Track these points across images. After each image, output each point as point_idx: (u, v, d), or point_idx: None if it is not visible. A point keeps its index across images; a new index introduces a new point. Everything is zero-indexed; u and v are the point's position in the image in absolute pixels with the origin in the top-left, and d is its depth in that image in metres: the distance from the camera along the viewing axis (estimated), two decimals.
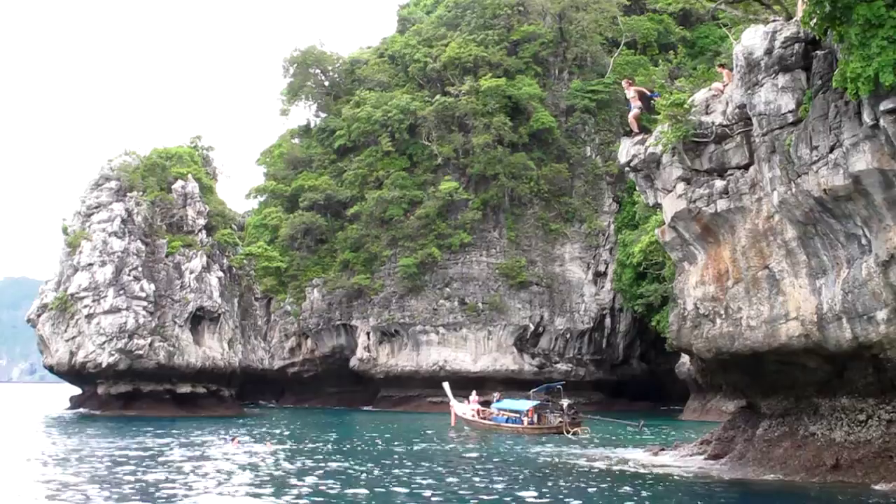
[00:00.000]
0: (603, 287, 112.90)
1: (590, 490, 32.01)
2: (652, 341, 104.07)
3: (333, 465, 40.29)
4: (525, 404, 70.09)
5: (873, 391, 33.79)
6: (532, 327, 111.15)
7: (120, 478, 34.33)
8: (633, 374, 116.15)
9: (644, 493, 31.58)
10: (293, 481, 33.79)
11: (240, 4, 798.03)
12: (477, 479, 35.44)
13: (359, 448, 50.56)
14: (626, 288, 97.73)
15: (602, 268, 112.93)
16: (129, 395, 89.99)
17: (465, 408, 73.77)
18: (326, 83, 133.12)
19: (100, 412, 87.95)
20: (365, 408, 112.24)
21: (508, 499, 29.52)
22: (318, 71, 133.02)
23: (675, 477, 36.95)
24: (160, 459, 41.68)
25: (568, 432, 63.60)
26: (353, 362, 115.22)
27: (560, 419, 66.11)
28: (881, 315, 30.35)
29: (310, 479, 34.13)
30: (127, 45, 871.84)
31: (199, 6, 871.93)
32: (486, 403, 75.95)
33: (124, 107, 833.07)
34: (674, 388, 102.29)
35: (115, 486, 31.99)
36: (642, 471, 38.23)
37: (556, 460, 43.40)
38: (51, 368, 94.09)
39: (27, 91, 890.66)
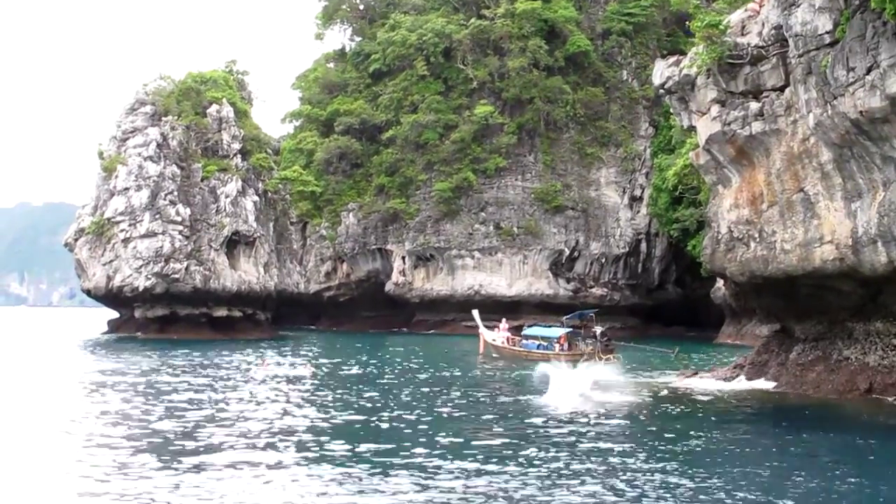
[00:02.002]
0: (639, 212, 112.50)
1: (621, 414, 32.00)
2: (687, 266, 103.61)
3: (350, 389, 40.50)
4: (557, 331, 69.64)
5: None
6: (567, 252, 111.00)
7: (151, 404, 34.60)
8: (668, 298, 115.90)
9: (678, 411, 31.66)
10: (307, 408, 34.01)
11: None
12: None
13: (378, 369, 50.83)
14: (662, 212, 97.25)
15: (638, 192, 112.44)
16: (165, 318, 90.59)
17: (495, 335, 73.50)
18: (361, 6, 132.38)
19: (137, 335, 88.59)
20: (402, 329, 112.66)
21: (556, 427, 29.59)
22: None
23: (711, 396, 37.02)
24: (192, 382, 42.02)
25: (600, 359, 63.35)
26: (389, 286, 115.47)
27: (592, 346, 65.79)
28: None
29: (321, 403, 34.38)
30: None
31: None
32: (518, 330, 75.58)
33: (160, 31, 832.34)
34: (709, 312, 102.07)
35: (145, 413, 32.26)
36: (676, 393, 38.17)
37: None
38: (88, 292, 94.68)
39: (65, 16, 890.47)
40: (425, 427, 28.24)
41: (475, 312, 78.84)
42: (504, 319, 78.33)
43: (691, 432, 27.45)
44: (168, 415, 30.23)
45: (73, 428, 27.43)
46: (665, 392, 39.10)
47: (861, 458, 24.36)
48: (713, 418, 31.26)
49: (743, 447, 25.75)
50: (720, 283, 78.33)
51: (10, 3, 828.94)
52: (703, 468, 21.84)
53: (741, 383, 41.98)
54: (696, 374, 48.16)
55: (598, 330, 67.12)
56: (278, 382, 42.51)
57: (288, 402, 34.59)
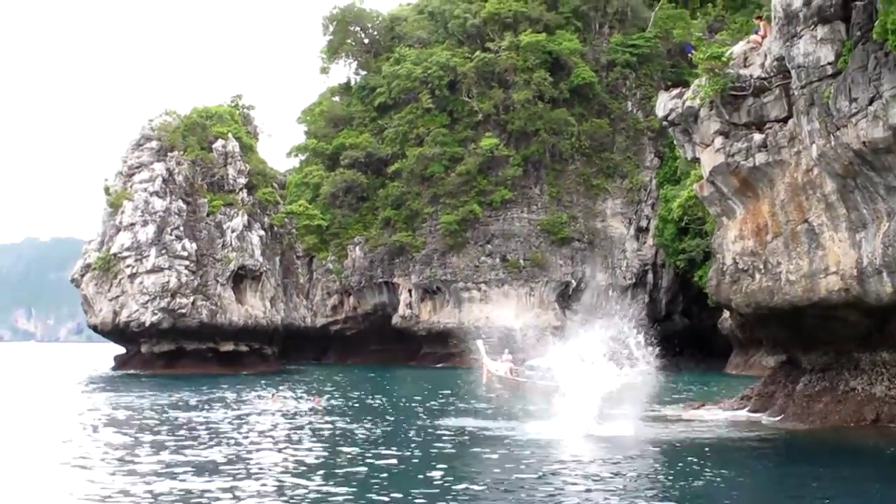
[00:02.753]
0: (645, 242, 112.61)
1: (626, 446, 31.87)
2: (694, 296, 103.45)
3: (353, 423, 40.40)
4: None
5: None
6: (574, 283, 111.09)
7: (161, 440, 34.52)
8: (675, 329, 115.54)
9: (685, 444, 31.54)
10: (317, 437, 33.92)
11: None
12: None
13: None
14: (668, 243, 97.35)
15: (644, 223, 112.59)
16: (172, 353, 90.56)
17: (498, 365, 73.31)
18: (366, 41, 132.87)
19: (143, 371, 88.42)
20: (409, 363, 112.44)
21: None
22: (357, 28, 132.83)
23: (718, 428, 36.89)
24: (202, 417, 41.92)
25: None
26: (396, 319, 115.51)
27: None
28: None
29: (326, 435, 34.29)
30: (171, 4, 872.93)
31: None
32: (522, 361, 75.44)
33: (166, 67, 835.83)
34: (717, 343, 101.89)
35: (157, 447, 32.17)
36: (681, 426, 37.99)
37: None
38: (95, 328, 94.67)
39: (71, 52, 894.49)
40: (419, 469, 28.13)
41: (479, 342, 78.59)
42: (507, 350, 78.15)
43: (696, 467, 27.29)
44: (176, 449, 30.14)
45: (75, 466, 27.32)
46: (671, 424, 38.93)
47: (865, 488, 24.23)
48: (720, 452, 31.08)
49: (748, 481, 25.62)
50: (727, 313, 78.28)
51: (16, 36, 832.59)
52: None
53: (748, 415, 41.89)
54: (703, 405, 48.03)
55: None
56: (288, 416, 42.42)
57: (294, 435, 34.50)
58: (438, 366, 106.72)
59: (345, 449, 30.73)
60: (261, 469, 26.43)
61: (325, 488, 23.58)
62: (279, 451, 30.34)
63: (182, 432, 35.68)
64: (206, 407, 47.76)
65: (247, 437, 34.06)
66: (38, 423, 41.42)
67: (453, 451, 30.62)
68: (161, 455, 28.99)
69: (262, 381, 71.17)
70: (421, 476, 25.17)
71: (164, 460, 27.87)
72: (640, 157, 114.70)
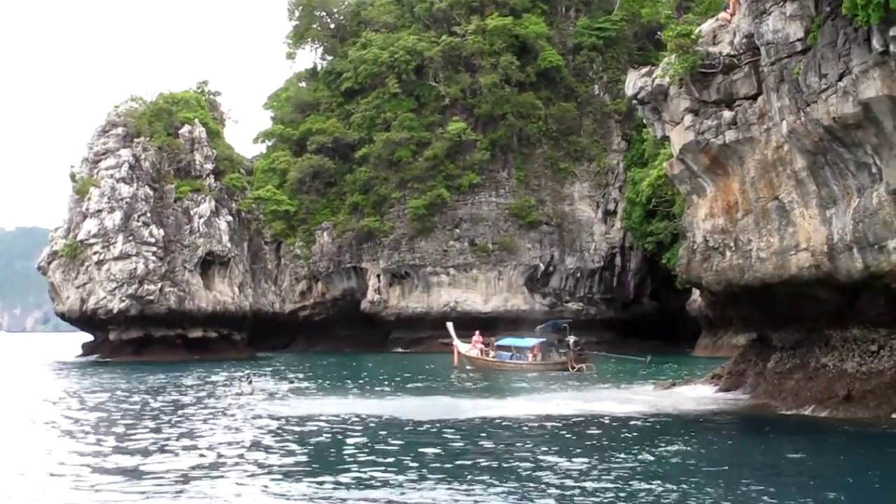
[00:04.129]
0: (613, 226, 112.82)
1: (592, 432, 31.87)
2: (663, 279, 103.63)
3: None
4: (530, 342, 70.18)
5: (885, 321, 33.63)
6: (542, 267, 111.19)
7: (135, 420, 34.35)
8: (644, 312, 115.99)
9: (653, 422, 31.56)
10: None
11: None
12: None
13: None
14: (636, 226, 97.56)
15: (612, 206, 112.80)
16: (140, 340, 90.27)
17: (469, 346, 73.79)
18: (332, 25, 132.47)
19: (111, 358, 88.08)
20: (379, 349, 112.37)
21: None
22: (323, 13, 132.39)
23: (688, 407, 36.95)
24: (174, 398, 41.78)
25: (573, 369, 63.72)
26: (364, 305, 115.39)
27: (565, 356, 66.29)
28: (892, 244, 30.08)
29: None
30: None
31: None
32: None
33: (131, 52, 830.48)
34: (685, 326, 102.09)
35: (130, 430, 32.02)
36: (650, 408, 38.02)
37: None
38: (62, 315, 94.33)
39: (34, 38, 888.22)
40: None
41: (450, 325, 78.97)
42: (477, 332, 78.47)
43: (666, 445, 27.26)
44: (143, 434, 29.99)
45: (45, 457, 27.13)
46: (640, 404, 38.96)
47: (834, 467, 24.28)
48: (690, 430, 31.11)
49: (719, 458, 25.62)
50: (696, 295, 78.52)
51: None
52: (677, 482, 21.61)
53: (718, 393, 41.97)
54: (674, 384, 48.13)
55: (572, 339, 67.60)
56: (262, 399, 42.38)
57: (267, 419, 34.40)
58: (406, 350, 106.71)
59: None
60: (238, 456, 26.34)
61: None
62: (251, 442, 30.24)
63: (145, 416, 35.53)
64: (177, 391, 47.61)
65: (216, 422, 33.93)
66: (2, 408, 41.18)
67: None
68: (131, 439, 28.87)
69: (231, 368, 71.00)
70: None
71: (133, 444, 27.76)
72: (607, 140, 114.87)
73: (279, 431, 30.44)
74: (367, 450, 26.17)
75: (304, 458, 25.19)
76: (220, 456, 25.33)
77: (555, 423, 31.97)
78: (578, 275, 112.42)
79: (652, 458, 24.59)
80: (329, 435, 29.48)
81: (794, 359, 38.41)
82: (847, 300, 34.15)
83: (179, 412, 36.81)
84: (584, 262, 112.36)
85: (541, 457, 24.68)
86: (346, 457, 25.19)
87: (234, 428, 31.32)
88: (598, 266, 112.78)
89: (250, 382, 51.49)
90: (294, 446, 27.33)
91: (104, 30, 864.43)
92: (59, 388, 52.11)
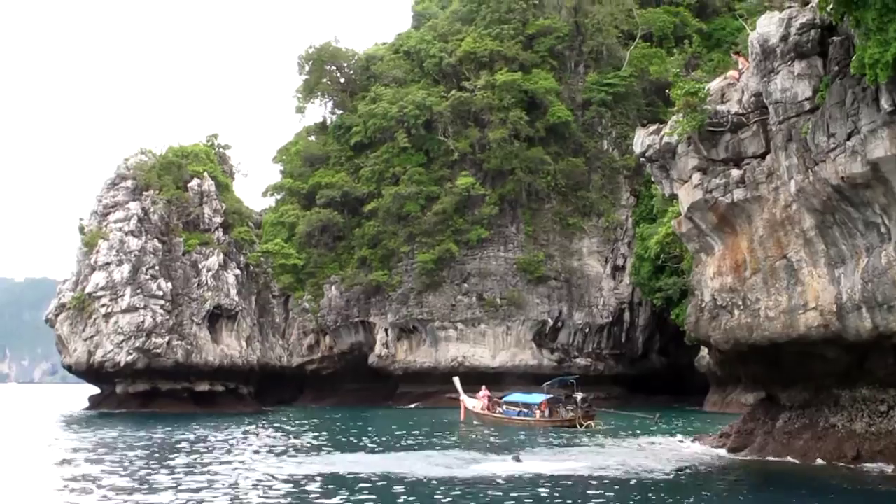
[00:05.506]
0: (621, 281, 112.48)
1: (606, 482, 31.63)
2: (671, 335, 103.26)
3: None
4: (537, 397, 69.93)
5: (894, 381, 33.48)
6: (551, 322, 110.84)
7: (138, 475, 34.15)
8: (652, 368, 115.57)
9: (663, 480, 31.31)
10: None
11: (255, 3, 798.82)
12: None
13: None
14: (645, 282, 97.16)
15: (620, 262, 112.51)
16: (147, 393, 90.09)
17: (476, 402, 73.55)
18: (342, 80, 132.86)
19: (118, 411, 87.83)
20: (387, 403, 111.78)
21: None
22: (333, 68, 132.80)
23: (698, 465, 36.67)
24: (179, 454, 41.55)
25: (581, 425, 63.41)
26: (372, 359, 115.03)
27: (573, 412, 65.98)
28: None
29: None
30: (143, 43, 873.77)
31: (215, 4, 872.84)
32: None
33: (141, 106, 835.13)
34: (693, 381, 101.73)
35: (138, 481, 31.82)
36: (660, 464, 37.74)
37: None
38: (69, 368, 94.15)
39: (45, 91, 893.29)
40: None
41: (456, 380, 78.71)
42: (484, 387, 78.19)
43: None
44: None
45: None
46: (649, 459, 38.69)
47: None
48: (700, 489, 30.85)
49: None
50: (704, 351, 78.21)
51: None
52: None
53: (727, 452, 41.73)
54: (681, 442, 47.89)
55: (580, 396, 67.35)
56: (269, 456, 42.15)
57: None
58: (413, 406, 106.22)
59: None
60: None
61: None
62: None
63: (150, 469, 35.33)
64: (179, 446, 47.38)
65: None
66: (5, 461, 40.99)
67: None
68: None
69: (238, 423, 70.71)
70: None
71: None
72: (615, 195, 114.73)
73: (282, 490, 30.20)
74: None
75: None
76: None
77: (561, 482, 31.72)
78: (587, 330, 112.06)
79: None
80: (332, 495, 29.23)
81: (802, 418, 38.21)
82: (856, 360, 34.03)
83: (184, 468, 36.55)
84: (593, 317, 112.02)
85: None
86: None
87: (240, 488, 31.06)
88: (607, 321, 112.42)
89: (257, 435, 51.49)
90: None
91: (116, 83, 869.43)
92: (65, 442, 51.86)
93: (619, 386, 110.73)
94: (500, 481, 31.79)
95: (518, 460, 36.12)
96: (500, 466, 36.12)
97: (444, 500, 27.66)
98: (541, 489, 29.65)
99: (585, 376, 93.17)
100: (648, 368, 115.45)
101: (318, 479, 32.72)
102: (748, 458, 39.42)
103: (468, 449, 45.71)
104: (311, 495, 28.76)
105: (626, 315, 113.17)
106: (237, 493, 29.20)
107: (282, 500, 27.99)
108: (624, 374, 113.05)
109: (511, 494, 28.62)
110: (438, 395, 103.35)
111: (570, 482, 31.63)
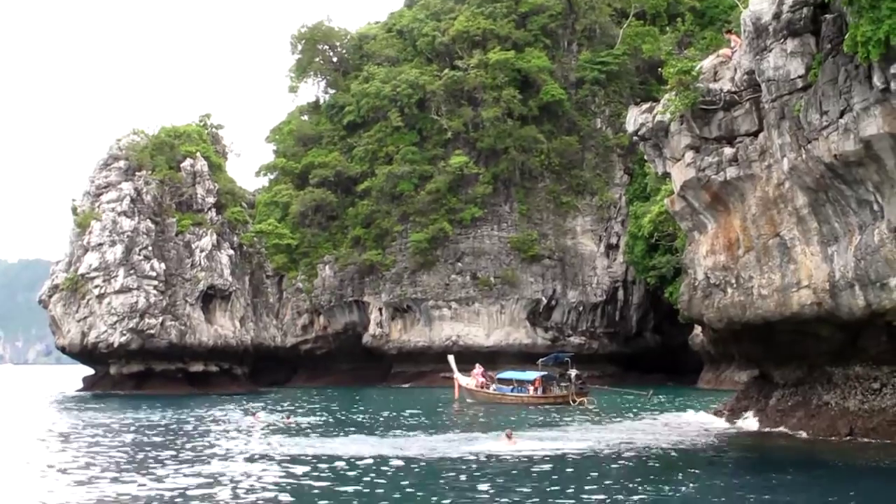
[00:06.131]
0: (615, 260, 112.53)
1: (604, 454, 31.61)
2: (665, 313, 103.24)
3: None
4: (531, 375, 69.95)
5: (887, 359, 33.51)
6: (545, 301, 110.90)
7: (136, 453, 34.10)
8: (646, 346, 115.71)
9: (658, 456, 31.33)
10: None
11: None
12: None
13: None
14: (639, 260, 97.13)
15: (614, 240, 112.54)
16: (141, 374, 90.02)
17: (469, 379, 73.59)
18: (335, 59, 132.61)
19: (111, 392, 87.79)
20: (383, 384, 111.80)
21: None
22: (326, 47, 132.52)
23: (694, 438, 36.66)
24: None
25: (574, 402, 63.53)
26: (366, 339, 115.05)
27: (566, 390, 66.09)
28: (894, 282, 30.00)
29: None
30: (136, 23, 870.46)
31: None
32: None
33: (133, 86, 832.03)
34: (687, 360, 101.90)
35: (131, 461, 31.78)
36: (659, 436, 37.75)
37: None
38: (63, 349, 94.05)
39: (37, 72, 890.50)
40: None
41: (451, 358, 78.73)
42: (478, 364, 78.22)
43: (669, 474, 27.05)
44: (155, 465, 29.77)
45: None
46: (642, 433, 38.71)
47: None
48: (696, 463, 30.85)
49: (727, 488, 25.41)
50: (698, 329, 78.28)
51: None
52: None
53: (724, 424, 41.86)
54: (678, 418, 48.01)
55: (573, 373, 67.44)
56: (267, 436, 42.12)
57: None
58: (407, 385, 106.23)
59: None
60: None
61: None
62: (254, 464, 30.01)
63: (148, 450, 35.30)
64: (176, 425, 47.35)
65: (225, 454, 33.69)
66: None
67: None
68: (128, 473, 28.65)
69: (233, 402, 70.72)
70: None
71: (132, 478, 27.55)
72: (609, 174, 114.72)
73: (280, 472, 30.17)
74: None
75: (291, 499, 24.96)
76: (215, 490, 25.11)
77: (569, 459, 31.71)
78: (581, 309, 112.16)
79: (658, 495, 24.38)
80: (324, 478, 29.22)
81: (796, 396, 38.30)
82: (849, 338, 34.05)
83: (180, 449, 36.53)
84: (587, 296, 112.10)
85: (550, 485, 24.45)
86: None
87: (235, 470, 31.00)
88: (601, 300, 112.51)
89: (254, 415, 51.50)
90: (289, 488, 27.10)
91: (108, 63, 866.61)
92: (61, 422, 51.85)
93: (613, 364, 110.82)
94: (489, 460, 31.73)
95: (509, 437, 36.02)
96: (488, 446, 36.06)
97: (426, 481, 27.65)
98: (532, 468, 29.61)
99: (579, 355, 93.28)
100: (642, 347, 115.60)
101: (313, 460, 32.66)
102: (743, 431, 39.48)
103: (458, 429, 45.63)
104: (305, 478, 28.70)
105: (620, 293, 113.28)
106: (232, 474, 29.14)
107: (276, 482, 27.97)
108: (618, 352, 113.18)
109: (495, 475, 28.61)
110: (433, 374, 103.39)
111: (553, 463, 31.57)
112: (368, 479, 27.96)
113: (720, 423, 43.16)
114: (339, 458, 32.63)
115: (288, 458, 33.35)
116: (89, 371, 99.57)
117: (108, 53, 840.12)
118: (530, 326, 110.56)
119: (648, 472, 29.18)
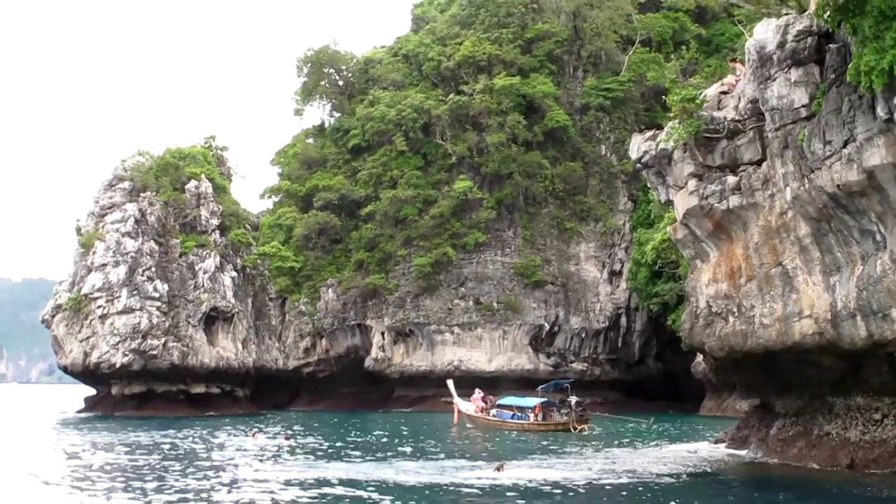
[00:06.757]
0: (618, 286, 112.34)
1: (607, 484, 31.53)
2: (668, 340, 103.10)
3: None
4: (531, 401, 69.77)
5: (889, 389, 33.43)
6: (547, 327, 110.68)
7: (139, 476, 34.07)
8: (648, 373, 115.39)
9: (658, 482, 31.25)
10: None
11: (254, 4, 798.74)
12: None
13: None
14: (642, 287, 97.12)
15: (617, 267, 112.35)
16: (142, 395, 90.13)
17: (469, 405, 73.46)
18: (340, 83, 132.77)
19: (113, 413, 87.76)
20: (385, 408, 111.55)
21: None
22: (332, 70, 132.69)
23: (694, 467, 36.56)
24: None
25: (574, 429, 63.36)
26: (368, 362, 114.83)
27: (567, 416, 65.91)
28: None
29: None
30: (141, 45, 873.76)
31: (214, 6, 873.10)
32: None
33: (138, 107, 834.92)
34: (690, 387, 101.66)
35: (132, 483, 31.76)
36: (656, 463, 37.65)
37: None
38: (65, 369, 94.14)
39: (43, 92, 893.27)
40: None
41: (450, 383, 78.73)
42: (477, 389, 78.09)
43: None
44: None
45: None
46: (642, 463, 38.60)
47: None
48: (696, 492, 30.78)
49: None
50: (700, 357, 78.14)
51: None
52: None
53: (725, 453, 41.71)
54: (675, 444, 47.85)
55: (573, 400, 67.31)
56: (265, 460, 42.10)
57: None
58: (408, 409, 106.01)
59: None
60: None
61: None
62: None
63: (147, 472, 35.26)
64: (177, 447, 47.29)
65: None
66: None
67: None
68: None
69: (234, 425, 70.63)
70: None
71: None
72: (613, 200, 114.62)
73: (276, 495, 30.16)
74: None
75: None
76: None
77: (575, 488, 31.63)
78: (583, 335, 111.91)
79: None
80: (316, 499, 29.19)
81: (797, 426, 38.17)
82: (850, 368, 33.97)
83: (178, 471, 36.48)
84: (590, 322, 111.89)
85: None
86: None
87: (234, 494, 30.99)
88: (604, 326, 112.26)
89: (254, 436, 51.56)
90: None
91: (114, 84, 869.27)
92: (60, 443, 51.88)
93: (615, 391, 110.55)
94: (478, 491, 31.62)
95: (499, 470, 35.89)
96: (480, 474, 35.94)
97: None
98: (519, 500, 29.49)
99: (581, 381, 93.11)
100: (645, 374, 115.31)
101: (307, 484, 32.67)
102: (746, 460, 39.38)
103: (454, 456, 45.47)
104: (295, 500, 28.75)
105: (623, 320, 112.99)
106: (231, 498, 29.13)
107: None
108: (620, 379, 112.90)
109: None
110: (434, 398, 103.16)
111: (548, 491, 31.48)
112: None
113: (720, 452, 43.08)
114: (330, 483, 32.65)
115: (282, 481, 33.36)
116: (91, 391, 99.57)
117: (114, 74, 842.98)
118: (532, 352, 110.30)
119: (649, 500, 29.09)
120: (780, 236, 34.41)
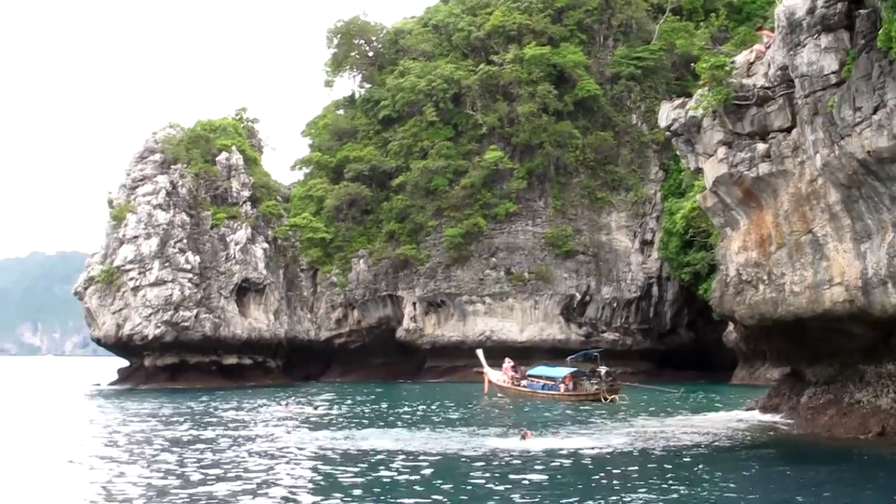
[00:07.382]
0: (650, 256, 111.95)
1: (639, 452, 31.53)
2: (699, 310, 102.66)
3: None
4: (561, 371, 69.39)
5: None
6: (579, 297, 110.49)
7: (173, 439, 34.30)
8: (680, 343, 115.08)
9: (688, 451, 31.25)
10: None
11: None
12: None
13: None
14: (673, 256, 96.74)
15: (649, 236, 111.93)
16: (175, 366, 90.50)
17: (499, 374, 73.25)
18: (370, 53, 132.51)
19: (146, 385, 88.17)
20: (415, 379, 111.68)
21: None
22: (361, 41, 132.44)
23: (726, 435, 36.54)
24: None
25: (605, 399, 63.18)
26: (400, 333, 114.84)
27: (597, 386, 65.67)
28: None
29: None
30: (174, 18, 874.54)
31: None
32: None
33: (170, 80, 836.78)
34: (721, 356, 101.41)
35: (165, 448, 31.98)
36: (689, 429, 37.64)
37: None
38: (98, 341, 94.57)
39: (76, 66, 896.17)
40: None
41: (480, 352, 78.56)
42: (507, 359, 77.92)
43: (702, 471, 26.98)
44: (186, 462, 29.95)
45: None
46: (672, 431, 38.58)
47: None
48: (727, 460, 30.74)
49: (758, 486, 25.34)
50: (732, 326, 77.97)
51: (19, 49, 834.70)
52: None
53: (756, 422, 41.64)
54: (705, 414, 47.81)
55: (604, 370, 67.08)
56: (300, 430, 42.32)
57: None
58: (441, 380, 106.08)
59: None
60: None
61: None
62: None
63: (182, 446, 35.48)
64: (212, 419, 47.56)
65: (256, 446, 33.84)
66: (31, 435, 41.29)
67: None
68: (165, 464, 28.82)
69: (269, 394, 70.91)
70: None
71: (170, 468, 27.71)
72: (644, 169, 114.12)
73: (307, 464, 30.30)
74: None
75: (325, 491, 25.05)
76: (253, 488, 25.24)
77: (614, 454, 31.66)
78: (615, 305, 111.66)
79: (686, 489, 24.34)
80: (360, 468, 29.32)
81: (827, 393, 38.07)
82: (881, 335, 33.80)
83: (211, 440, 36.70)
84: (621, 292, 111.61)
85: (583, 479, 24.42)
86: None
87: (267, 463, 31.14)
88: (635, 296, 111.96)
89: (286, 406, 51.82)
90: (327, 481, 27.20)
91: (146, 57, 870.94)
92: (94, 415, 52.26)
93: (646, 361, 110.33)
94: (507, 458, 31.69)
95: (524, 438, 35.93)
96: (509, 443, 36.00)
97: (443, 479, 27.70)
98: (544, 468, 29.54)
99: (613, 351, 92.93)
100: (676, 343, 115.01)
101: (340, 452, 32.83)
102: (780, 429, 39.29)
103: (485, 425, 45.56)
104: (328, 468, 28.90)
105: (655, 290, 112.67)
106: (264, 467, 29.32)
107: (306, 473, 28.14)
108: (652, 348, 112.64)
109: (510, 474, 28.63)
110: (466, 369, 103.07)
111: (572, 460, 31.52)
112: (380, 473, 28.06)
113: (751, 421, 42.98)
114: (362, 451, 32.81)
115: (316, 448, 33.53)
116: (125, 363, 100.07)
117: (146, 47, 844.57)
118: (564, 322, 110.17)
119: (679, 469, 29.08)
120: (809, 203, 34.22)
